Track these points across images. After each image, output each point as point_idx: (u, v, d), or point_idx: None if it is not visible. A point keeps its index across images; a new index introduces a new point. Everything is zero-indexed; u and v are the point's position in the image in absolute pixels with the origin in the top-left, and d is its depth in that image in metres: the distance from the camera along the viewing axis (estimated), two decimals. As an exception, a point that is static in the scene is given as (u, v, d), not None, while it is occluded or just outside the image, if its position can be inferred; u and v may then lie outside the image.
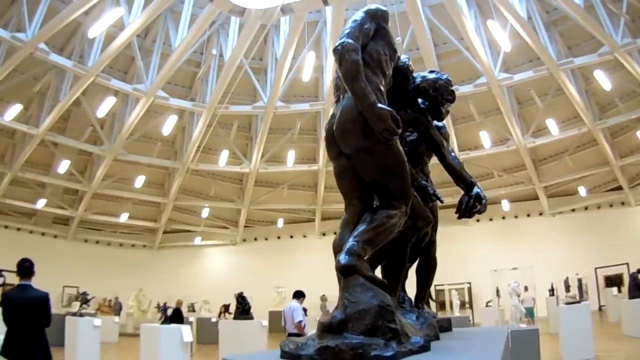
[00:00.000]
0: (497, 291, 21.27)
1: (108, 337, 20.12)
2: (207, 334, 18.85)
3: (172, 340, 12.70)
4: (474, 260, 23.55)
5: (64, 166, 23.16)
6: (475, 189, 3.95)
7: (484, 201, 3.92)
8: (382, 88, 3.05)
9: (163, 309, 15.01)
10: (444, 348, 2.95)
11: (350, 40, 2.90)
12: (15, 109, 19.80)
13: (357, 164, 3.05)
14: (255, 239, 29.05)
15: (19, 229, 25.90)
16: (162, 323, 14.42)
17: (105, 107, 20.79)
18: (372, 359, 2.37)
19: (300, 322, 10.15)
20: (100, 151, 23.56)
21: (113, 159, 23.60)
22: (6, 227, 25.33)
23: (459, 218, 4.03)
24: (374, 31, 3.13)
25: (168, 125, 22.15)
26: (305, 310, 11.27)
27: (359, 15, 3.10)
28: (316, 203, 25.79)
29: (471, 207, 3.92)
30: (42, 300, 5.72)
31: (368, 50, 3.09)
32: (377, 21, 3.16)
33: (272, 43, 20.75)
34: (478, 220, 25.59)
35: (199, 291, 25.50)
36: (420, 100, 4.16)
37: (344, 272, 2.69)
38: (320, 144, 22.94)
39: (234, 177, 27.15)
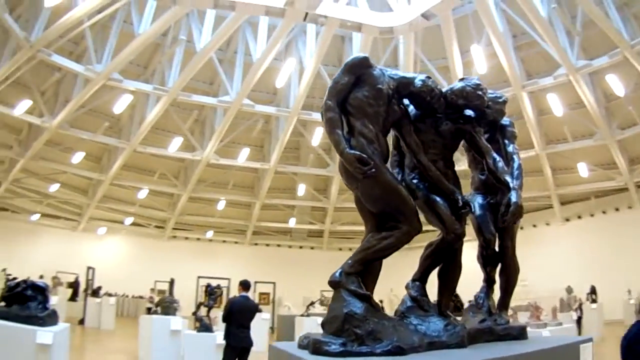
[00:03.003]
0: None
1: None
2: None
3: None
4: None
5: (301, 189, 28.15)
6: (509, 196, 4.29)
7: (511, 209, 4.23)
8: (366, 130, 3.76)
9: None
10: (429, 355, 3.45)
11: (328, 102, 3.75)
12: (245, 151, 25.35)
13: (360, 197, 3.90)
14: (495, 232, 29.65)
15: (279, 245, 31.96)
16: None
17: (317, 136, 24.89)
18: (323, 352, 3.15)
19: None
20: (327, 172, 27.86)
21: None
22: (267, 245, 31.73)
23: (500, 225, 4.66)
24: (356, 79, 3.85)
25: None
26: None
27: (338, 72, 3.90)
28: (549, 188, 25.38)
29: (502, 214, 4.34)
30: (255, 307, 9.54)
31: (349, 101, 3.82)
32: (354, 71, 3.86)
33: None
34: None
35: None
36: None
37: (331, 286, 3.57)
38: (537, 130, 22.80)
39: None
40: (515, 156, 4.80)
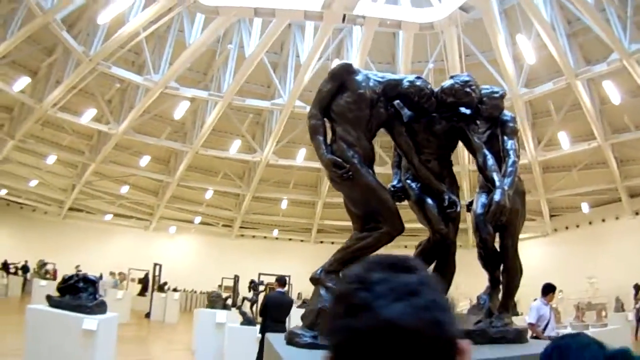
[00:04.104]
0: None
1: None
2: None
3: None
4: None
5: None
6: (493, 194, 4.17)
7: (491, 208, 4.10)
8: (346, 134, 3.98)
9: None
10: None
11: (312, 110, 4.09)
12: (302, 152, 26.43)
13: (344, 199, 4.20)
14: (567, 228, 28.64)
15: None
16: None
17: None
18: (294, 343, 3.47)
19: (531, 325, 8.45)
20: (386, 170, 28.16)
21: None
22: (332, 242, 32.44)
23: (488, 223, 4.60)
24: (340, 86, 4.06)
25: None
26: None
27: (323, 81, 4.16)
28: (615, 181, 24.47)
29: (485, 212, 4.28)
30: (291, 302, 10.24)
31: (332, 107, 4.05)
32: (337, 78, 4.09)
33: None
34: None
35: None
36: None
37: (312, 283, 3.89)
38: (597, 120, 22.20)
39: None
40: (511, 152, 4.60)
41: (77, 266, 22.32)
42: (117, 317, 8.93)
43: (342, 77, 4.06)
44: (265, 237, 32.56)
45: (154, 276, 25.40)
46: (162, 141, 25.54)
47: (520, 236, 20.71)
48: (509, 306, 4.87)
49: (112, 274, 22.49)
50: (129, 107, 23.92)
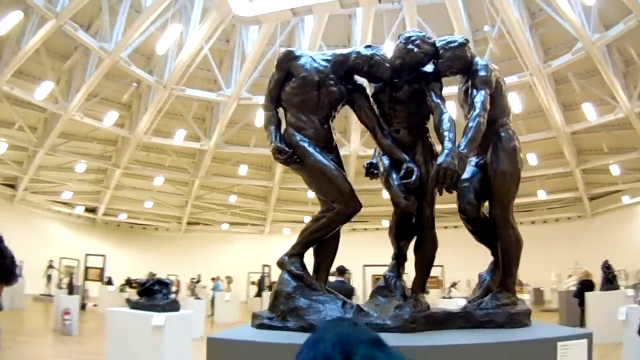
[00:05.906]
0: None
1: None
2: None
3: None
4: None
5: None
6: (440, 156, 3.56)
7: (432, 173, 3.60)
8: (294, 119, 4.03)
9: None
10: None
11: (264, 102, 4.20)
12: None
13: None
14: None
15: (455, 227, 32.02)
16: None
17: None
18: (253, 324, 3.70)
19: None
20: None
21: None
22: (445, 227, 31.90)
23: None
24: (286, 72, 4.08)
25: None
26: None
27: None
28: None
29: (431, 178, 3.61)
30: (351, 290, 10.30)
31: (281, 95, 4.12)
32: (282, 66, 4.11)
33: None
34: None
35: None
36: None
37: (278, 266, 3.99)
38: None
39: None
40: (477, 105, 3.82)
41: (198, 275, 24.24)
42: (190, 314, 9.32)
43: (286, 65, 4.06)
44: (377, 229, 32.59)
45: (262, 277, 26.84)
46: (252, 149, 26.92)
47: (632, 201, 19.27)
48: (508, 284, 4.17)
49: (213, 279, 24.15)
50: (215, 122, 25.57)
